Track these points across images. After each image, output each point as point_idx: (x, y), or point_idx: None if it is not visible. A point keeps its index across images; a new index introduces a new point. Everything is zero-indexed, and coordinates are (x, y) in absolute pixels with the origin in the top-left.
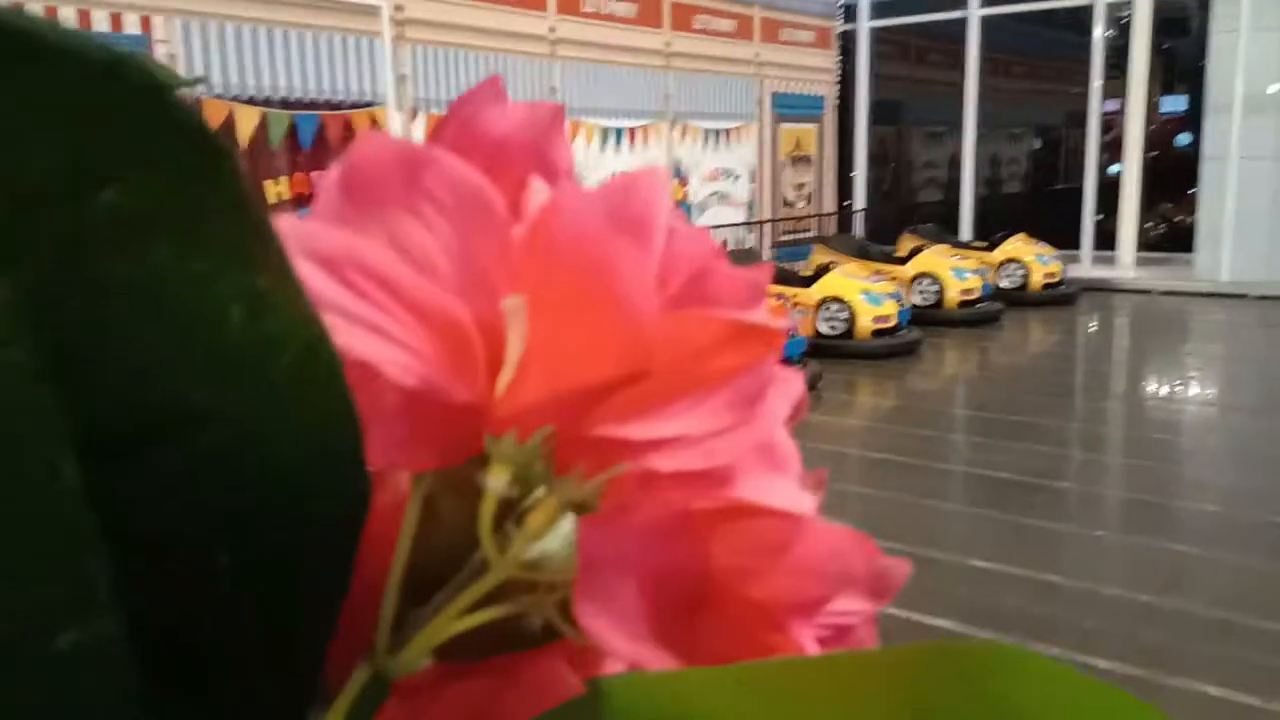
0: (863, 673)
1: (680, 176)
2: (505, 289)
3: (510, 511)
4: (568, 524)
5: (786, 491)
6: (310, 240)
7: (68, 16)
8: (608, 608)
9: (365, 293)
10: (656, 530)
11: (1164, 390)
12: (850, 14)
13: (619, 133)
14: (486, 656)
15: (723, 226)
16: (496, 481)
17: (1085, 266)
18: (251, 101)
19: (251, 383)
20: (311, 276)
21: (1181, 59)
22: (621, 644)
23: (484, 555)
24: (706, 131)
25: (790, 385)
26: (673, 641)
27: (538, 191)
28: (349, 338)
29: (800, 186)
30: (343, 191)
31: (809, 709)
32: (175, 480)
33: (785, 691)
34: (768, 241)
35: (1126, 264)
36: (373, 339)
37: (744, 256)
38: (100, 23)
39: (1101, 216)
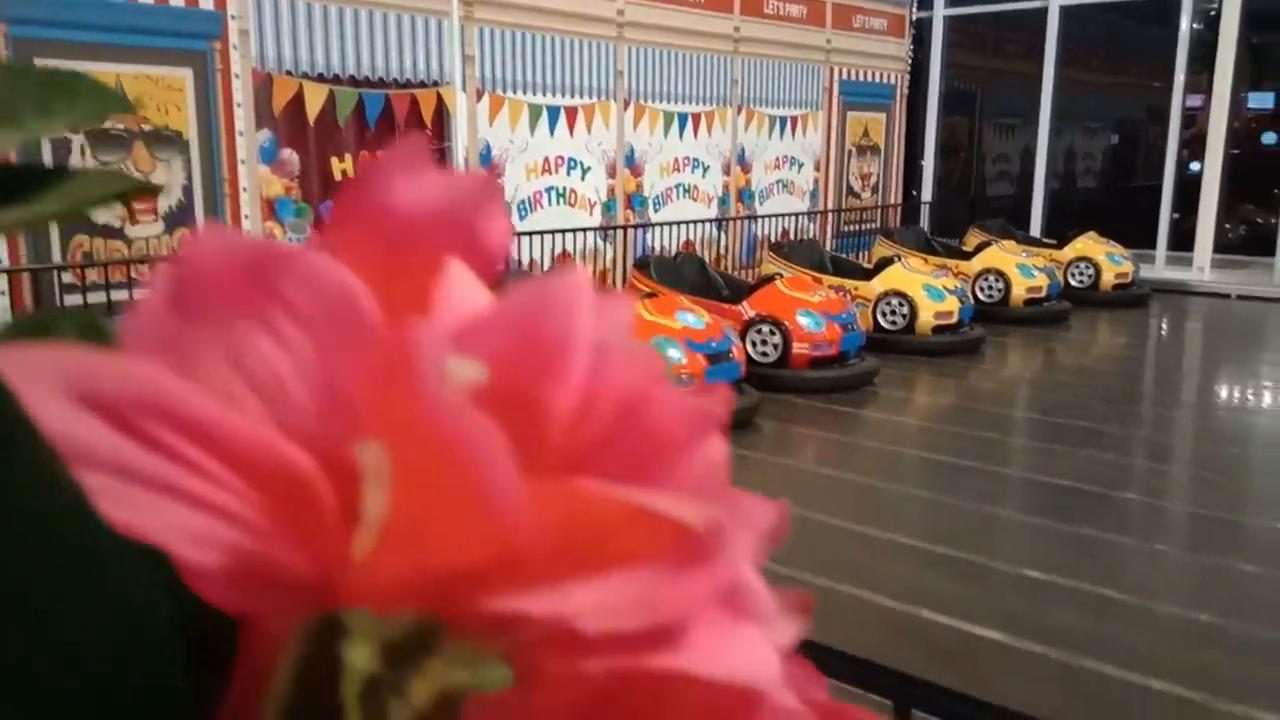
0: None
1: (744, 163)
2: (370, 425)
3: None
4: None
5: (745, 650)
6: (87, 380)
7: None
8: None
9: (162, 445)
10: (566, 709)
11: (1238, 400)
12: (925, 2)
13: (683, 118)
14: None
15: (785, 215)
16: (358, 658)
17: (1159, 267)
18: (321, 79)
19: None
20: (81, 430)
21: (1271, 54)
22: None
23: None
24: (772, 118)
25: (755, 513)
26: None
27: (452, 278)
28: (123, 508)
29: (866, 176)
30: (171, 302)
31: None
32: None
33: None
34: (830, 232)
35: (1203, 266)
36: (164, 506)
37: (806, 246)
38: None
39: (1178, 216)
